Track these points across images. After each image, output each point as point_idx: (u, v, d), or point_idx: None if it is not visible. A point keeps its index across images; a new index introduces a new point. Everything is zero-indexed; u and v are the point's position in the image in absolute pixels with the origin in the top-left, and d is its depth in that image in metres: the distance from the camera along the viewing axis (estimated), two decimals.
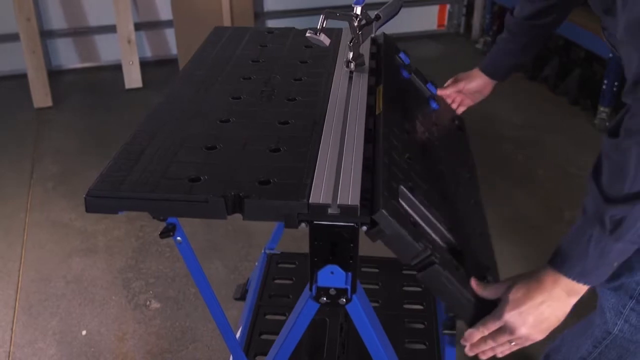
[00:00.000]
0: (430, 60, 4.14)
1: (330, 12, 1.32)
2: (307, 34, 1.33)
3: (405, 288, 1.84)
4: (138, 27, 3.79)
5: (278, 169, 1.05)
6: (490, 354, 1.07)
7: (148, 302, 2.15)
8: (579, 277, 0.97)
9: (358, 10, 1.37)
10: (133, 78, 3.65)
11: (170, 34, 3.92)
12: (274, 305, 1.79)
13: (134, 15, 3.76)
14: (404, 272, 1.89)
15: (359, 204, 0.96)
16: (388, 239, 0.96)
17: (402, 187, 1.06)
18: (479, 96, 1.63)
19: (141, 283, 2.23)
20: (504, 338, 1.03)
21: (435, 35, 4.44)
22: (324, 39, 1.32)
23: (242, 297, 2.08)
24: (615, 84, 3.11)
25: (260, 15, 3.96)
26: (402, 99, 1.41)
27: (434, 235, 1.07)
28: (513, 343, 1.04)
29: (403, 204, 1.03)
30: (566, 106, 3.47)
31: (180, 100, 1.32)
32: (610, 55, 3.08)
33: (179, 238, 1.14)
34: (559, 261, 0.99)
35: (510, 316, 1.01)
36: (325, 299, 1.04)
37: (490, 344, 1.05)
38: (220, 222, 2.66)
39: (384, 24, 1.45)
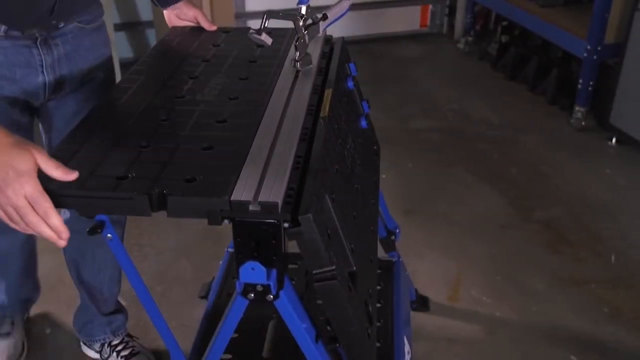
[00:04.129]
0: (413, 61, 4.16)
1: (272, 11, 1.34)
2: (249, 34, 1.34)
3: None
4: (119, 27, 3.81)
5: (207, 167, 1.06)
6: None
7: None
8: None
9: (303, 10, 1.38)
10: None
11: (151, 34, 3.93)
12: None
13: (115, 16, 3.77)
14: None
15: (279, 202, 0.97)
16: (304, 242, 0.98)
17: (327, 196, 1.07)
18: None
19: None
20: None
21: (418, 36, 4.45)
22: (266, 39, 1.34)
23: (206, 296, 2.10)
24: (591, 83, 3.13)
25: (241, 15, 3.97)
26: (343, 109, 1.43)
27: (339, 253, 1.09)
28: None
29: (324, 214, 1.05)
30: (544, 106, 3.49)
31: (123, 99, 1.33)
32: (585, 55, 3.09)
33: (109, 235, 1.15)
34: None
35: None
36: (252, 295, 1.05)
37: None
38: (191, 221, 2.67)
39: (331, 23, 1.47)
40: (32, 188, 0.97)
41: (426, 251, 2.38)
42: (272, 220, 0.98)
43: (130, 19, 3.91)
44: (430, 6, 4.40)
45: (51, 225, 1.00)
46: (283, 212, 0.98)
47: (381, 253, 1.94)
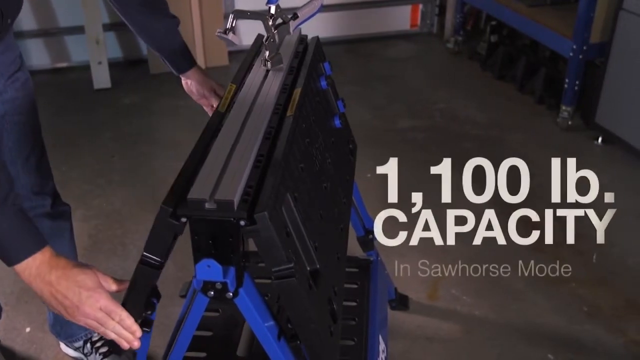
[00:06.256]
0: (403, 60, 4.16)
1: (240, 11, 1.34)
2: (216, 33, 1.35)
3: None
4: (109, 27, 3.82)
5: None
6: None
7: None
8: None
9: (272, 9, 1.39)
10: (101, 78, 3.66)
11: None
12: None
13: (105, 16, 3.78)
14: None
15: (234, 200, 0.98)
16: (261, 240, 0.99)
17: (288, 195, 1.08)
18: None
19: None
20: None
21: (408, 35, 4.45)
22: (233, 38, 1.34)
23: (187, 294, 2.11)
24: (577, 83, 3.13)
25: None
26: (314, 109, 1.43)
27: (301, 250, 1.09)
28: None
29: (284, 211, 1.06)
30: (532, 105, 3.49)
31: None
32: (571, 54, 3.10)
33: None
34: None
35: None
36: (212, 292, 1.06)
37: None
38: None
39: (302, 23, 1.47)
40: (105, 300, 1.08)
41: (407, 250, 2.38)
42: (228, 218, 0.98)
43: (119, 19, 3.90)
44: (421, 6, 4.40)
45: (127, 327, 1.09)
46: (239, 210, 0.99)
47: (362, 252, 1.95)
